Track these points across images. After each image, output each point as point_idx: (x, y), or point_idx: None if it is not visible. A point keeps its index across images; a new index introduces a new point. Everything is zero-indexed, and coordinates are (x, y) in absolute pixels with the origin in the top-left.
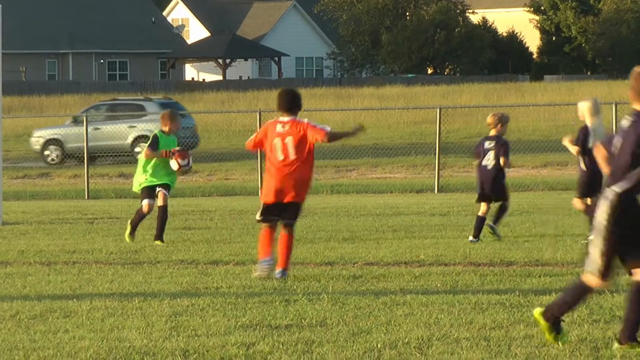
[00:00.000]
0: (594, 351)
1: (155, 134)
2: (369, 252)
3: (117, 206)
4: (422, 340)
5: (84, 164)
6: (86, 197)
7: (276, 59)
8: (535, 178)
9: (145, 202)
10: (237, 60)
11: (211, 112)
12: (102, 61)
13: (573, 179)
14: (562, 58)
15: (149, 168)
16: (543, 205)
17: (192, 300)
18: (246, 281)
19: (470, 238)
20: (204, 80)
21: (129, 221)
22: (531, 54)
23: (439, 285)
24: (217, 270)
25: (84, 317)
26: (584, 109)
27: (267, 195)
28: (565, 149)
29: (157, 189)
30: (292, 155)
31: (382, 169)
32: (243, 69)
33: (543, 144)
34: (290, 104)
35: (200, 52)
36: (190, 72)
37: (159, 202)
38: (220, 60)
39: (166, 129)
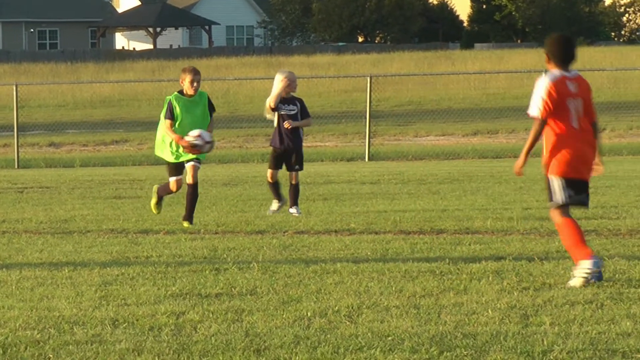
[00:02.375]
0: (524, 318)
1: (169, 100)
2: (299, 221)
3: (47, 175)
4: (352, 308)
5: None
6: (16, 167)
7: (207, 27)
8: (466, 146)
9: (172, 179)
10: (168, 29)
11: (142, 81)
12: (32, 30)
13: (503, 147)
14: (493, 26)
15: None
16: (470, 173)
17: (122, 270)
18: (176, 250)
19: None
20: (134, 49)
21: (155, 188)
22: (462, 22)
23: (369, 253)
24: (147, 240)
25: (13, 287)
26: None
27: (569, 169)
28: (494, 116)
29: (187, 163)
30: (583, 121)
31: (312, 138)
32: (173, 37)
33: (473, 112)
34: (574, 54)
35: (130, 21)
36: (121, 41)
37: (189, 179)
38: (150, 29)
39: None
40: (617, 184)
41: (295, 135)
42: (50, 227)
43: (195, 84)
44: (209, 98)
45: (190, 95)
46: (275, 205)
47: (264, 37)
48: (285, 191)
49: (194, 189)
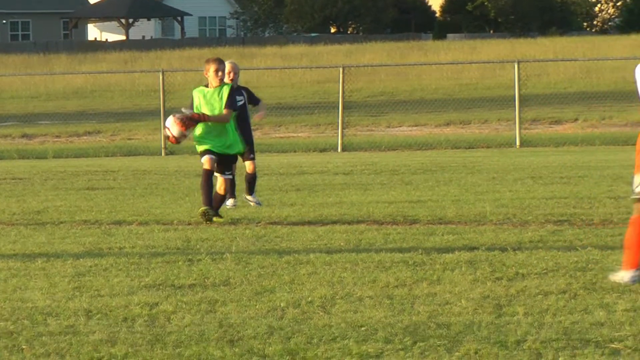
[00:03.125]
0: (497, 308)
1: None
2: (272, 212)
3: (20, 167)
4: (325, 299)
5: None
6: None
7: (179, 18)
8: (439, 137)
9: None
10: (140, 20)
11: (114, 72)
12: (4, 21)
13: (476, 137)
14: (465, 17)
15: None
16: (443, 164)
17: (95, 261)
18: (149, 241)
19: None
20: (106, 40)
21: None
22: (434, 12)
23: (342, 244)
24: (120, 231)
25: None
26: None
27: None
28: (467, 107)
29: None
30: None
31: (285, 128)
32: (146, 28)
33: (446, 103)
34: None
35: (102, 12)
36: (93, 32)
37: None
38: (122, 20)
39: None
40: (590, 174)
41: (244, 126)
42: (23, 219)
43: (219, 74)
44: (239, 89)
45: (215, 86)
46: (230, 201)
47: (237, 28)
48: (241, 180)
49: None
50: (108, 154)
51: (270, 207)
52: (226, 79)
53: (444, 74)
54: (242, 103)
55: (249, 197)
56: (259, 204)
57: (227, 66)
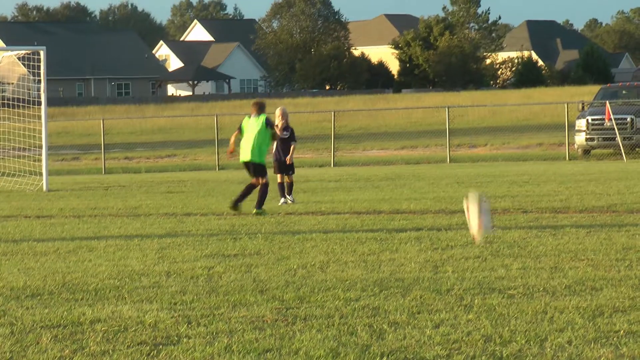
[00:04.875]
0: (434, 268)
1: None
2: (288, 207)
3: (123, 178)
4: (323, 263)
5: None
6: (103, 173)
7: (227, 80)
8: (397, 156)
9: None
10: (202, 81)
11: (185, 116)
12: (113, 83)
13: (421, 156)
14: (413, 78)
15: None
16: (399, 174)
17: (173, 239)
18: (208, 226)
19: None
20: (180, 95)
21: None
22: (393, 75)
23: (333, 227)
24: (189, 219)
25: (102, 251)
26: None
27: None
28: (415, 137)
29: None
30: None
31: (297, 152)
32: (205, 87)
33: (401, 134)
34: None
35: (177, 77)
36: (171, 89)
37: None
38: (190, 82)
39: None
40: (494, 180)
41: (284, 151)
42: (125, 212)
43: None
44: (266, 119)
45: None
46: (282, 200)
47: (265, 86)
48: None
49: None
50: (181, 169)
51: (291, 203)
52: (277, 121)
53: (400, 115)
54: (286, 137)
55: (289, 197)
56: (292, 201)
57: (277, 111)
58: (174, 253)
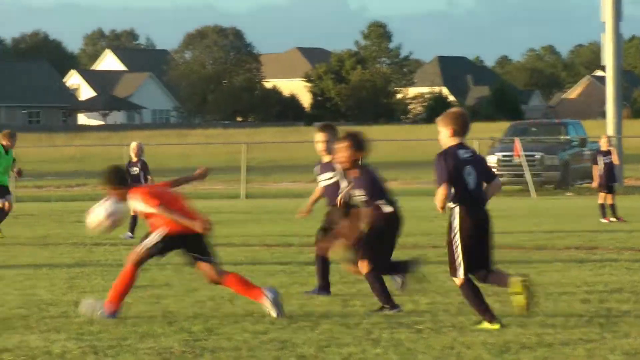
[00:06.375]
0: (343, 302)
1: None
2: None
3: (34, 207)
4: (232, 295)
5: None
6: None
7: (139, 110)
8: (307, 188)
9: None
10: (113, 111)
11: (96, 145)
12: (24, 111)
13: None
14: (325, 110)
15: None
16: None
17: (82, 269)
18: (118, 256)
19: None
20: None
21: None
22: (304, 108)
23: (243, 259)
24: (99, 249)
25: (10, 280)
26: None
27: None
28: None
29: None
30: None
31: (207, 183)
32: (116, 116)
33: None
34: None
35: (88, 106)
36: (83, 119)
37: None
38: (102, 111)
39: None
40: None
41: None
42: (34, 241)
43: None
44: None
45: None
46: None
47: (177, 117)
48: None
49: None
50: (91, 199)
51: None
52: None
53: (312, 148)
54: (135, 172)
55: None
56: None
57: (133, 145)
58: (83, 283)
